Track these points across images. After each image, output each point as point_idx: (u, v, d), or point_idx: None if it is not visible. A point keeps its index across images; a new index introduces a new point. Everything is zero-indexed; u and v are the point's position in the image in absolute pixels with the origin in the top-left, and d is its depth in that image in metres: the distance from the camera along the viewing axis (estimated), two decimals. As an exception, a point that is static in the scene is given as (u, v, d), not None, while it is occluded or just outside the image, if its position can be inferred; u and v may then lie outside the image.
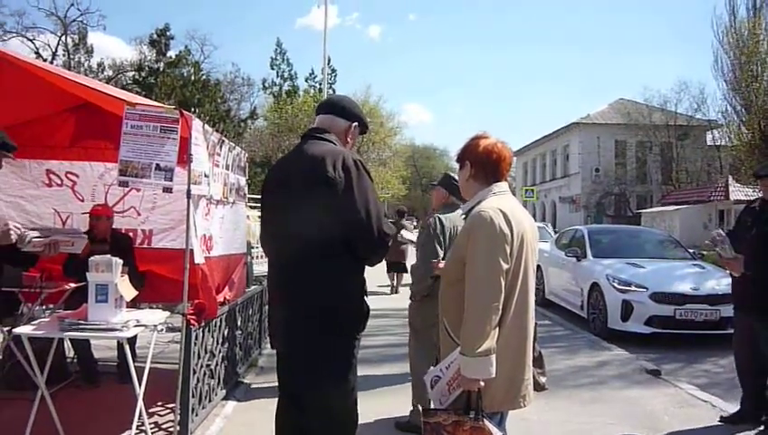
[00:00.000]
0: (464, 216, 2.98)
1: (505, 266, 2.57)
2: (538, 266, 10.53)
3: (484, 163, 2.83)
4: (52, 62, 30.78)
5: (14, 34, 34.05)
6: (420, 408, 4.11)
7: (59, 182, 6.45)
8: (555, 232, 17.85)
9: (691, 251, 10.83)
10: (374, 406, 5.07)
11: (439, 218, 4.72)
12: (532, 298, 2.76)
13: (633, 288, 8.65)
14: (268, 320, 3.17)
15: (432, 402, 2.87)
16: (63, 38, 35.57)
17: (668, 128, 35.13)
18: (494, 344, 2.52)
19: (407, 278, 12.64)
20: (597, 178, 38.26)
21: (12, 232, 3.50)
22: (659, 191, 36.03)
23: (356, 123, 3.16)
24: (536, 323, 2.85)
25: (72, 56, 35.70)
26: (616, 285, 8.83)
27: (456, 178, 4.82)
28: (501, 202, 2.71)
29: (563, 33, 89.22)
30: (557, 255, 11.48)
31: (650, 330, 8.38)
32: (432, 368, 2.82)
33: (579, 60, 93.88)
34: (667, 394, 6.01)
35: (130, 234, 6.37)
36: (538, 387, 2.89)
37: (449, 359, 2.69)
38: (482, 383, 2.54)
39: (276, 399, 3.15)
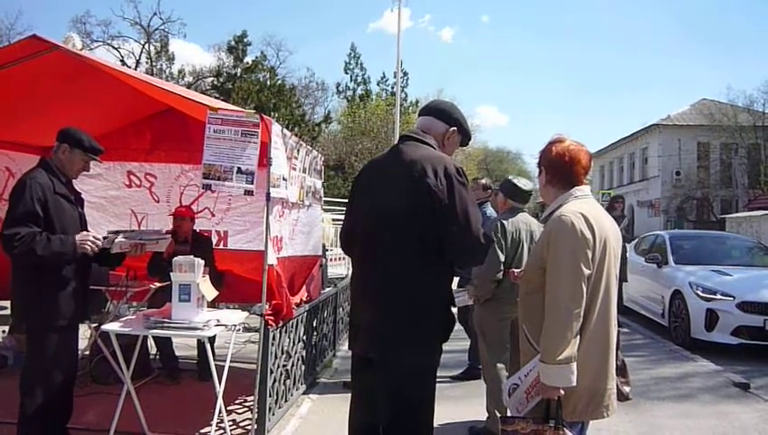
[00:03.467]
0: (543, 221, 2.92)
1: (587, 272, 2.51)
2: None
3: (556, 168, 2.79)
4: (135, 69, 31.95)
5: (101, 43, 35.44)
6: (497, 414, 4.07)
7: (138, 183, 6.70)
8: (633, 238, 17.23)
9: (784, 259, 10.21)
10: (448, 411, 5.03)
11: (501, 223, 4.73)
12: (614, 305, 2.68)
13: (719, 297, 8.25)
14: (350, 322, 3.15)
15: (509, 410, 2.82)
16: (146, 46, 36.93)
17: (756, 129, 33.38)
18: (575, 352, 2.47)
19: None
20: (678, 182, 36.72)
21: (88, 250, 3.65)
22: (745, 196, 34.20)
23: (455, 128, 3.05)
24: (619, 331, 2.77)
25: (154, 63, 37.01)
26: (700, 293, 8.44)
27: (515, 182, 4.88)
28: (582, 206, 2.65)
29: (643, 31, 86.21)
30: (636, 261, 11.08)
31: (738, 341, 7.98)
32: (510, 377, 2.78)
33: (658, 60, 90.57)
34: (758, 410, 5.71)
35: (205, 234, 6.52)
36: (622, 397, 2.81)
37: (528, 367, 2.65)
38: (561, 392, 2.48)
39: (349, 399, 3.15)
